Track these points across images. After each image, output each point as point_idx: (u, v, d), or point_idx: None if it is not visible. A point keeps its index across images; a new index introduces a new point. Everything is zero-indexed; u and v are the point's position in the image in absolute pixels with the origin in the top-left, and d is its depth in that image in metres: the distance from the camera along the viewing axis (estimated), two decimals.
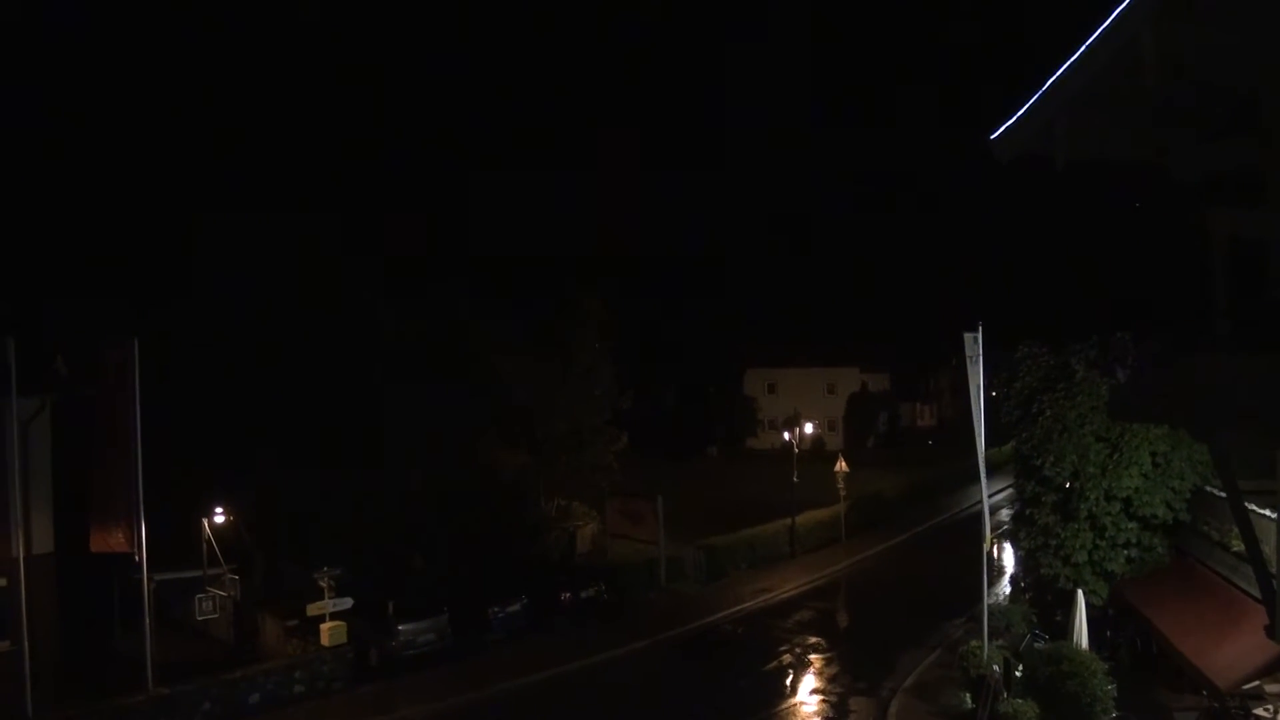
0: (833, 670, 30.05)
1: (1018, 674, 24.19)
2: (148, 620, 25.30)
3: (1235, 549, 20.38)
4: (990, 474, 27.01)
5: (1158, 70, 11.90)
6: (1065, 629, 24.57)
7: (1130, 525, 24.60)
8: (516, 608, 33.65)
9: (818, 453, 66.96)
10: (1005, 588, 34.98)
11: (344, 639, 28.84)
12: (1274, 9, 11.28)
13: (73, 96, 62.44)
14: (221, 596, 30.05)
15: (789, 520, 46.01)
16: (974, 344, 25.75)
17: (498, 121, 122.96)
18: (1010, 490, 34.74)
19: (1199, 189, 13.87)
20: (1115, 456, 24.56)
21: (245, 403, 35.50)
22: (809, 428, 66.34)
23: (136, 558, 24.81)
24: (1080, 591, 24.23)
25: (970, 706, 24.78)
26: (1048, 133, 13.71)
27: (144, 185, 49.16)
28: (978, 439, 25.94)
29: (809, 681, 29.25)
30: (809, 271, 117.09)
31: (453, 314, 41.43)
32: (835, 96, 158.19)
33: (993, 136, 14.23)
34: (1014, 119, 14.00)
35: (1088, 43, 12.58)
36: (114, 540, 25.51)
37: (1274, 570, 13.67)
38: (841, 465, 47.69)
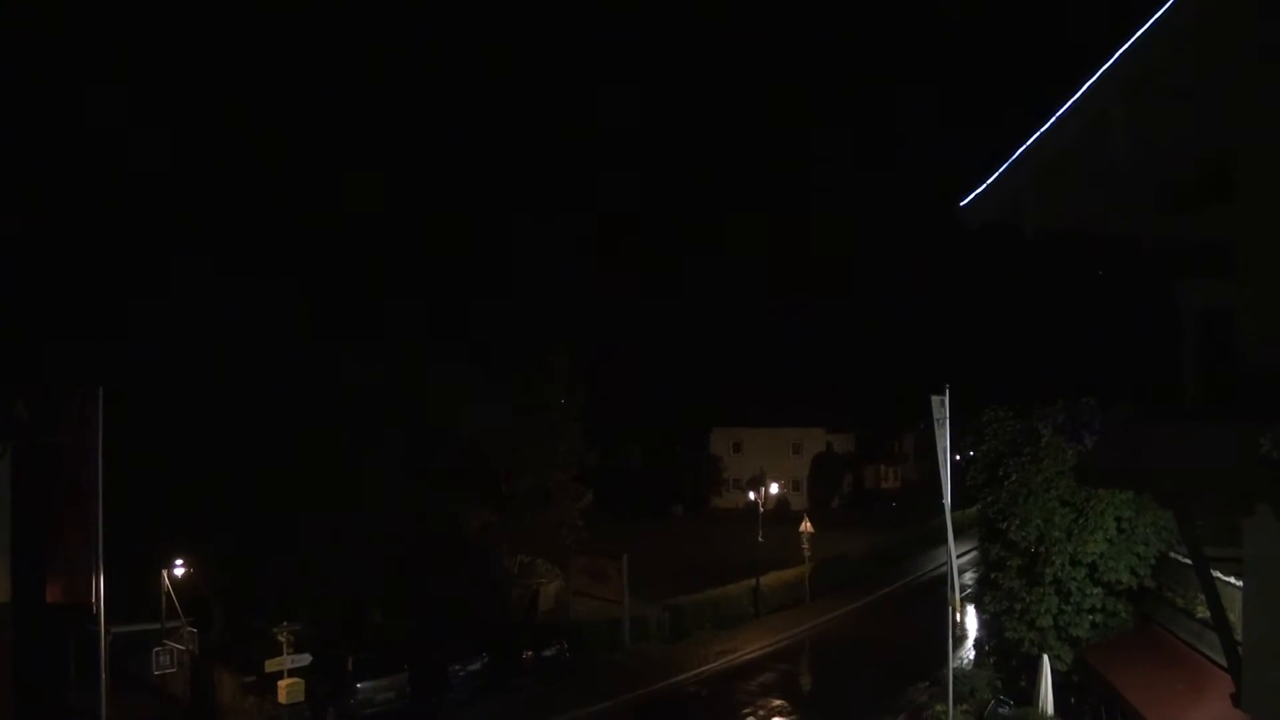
0: None
1: None
2: (103, 674, 24.76)
3: (1200, 615, 20.45)
4: (954, 537, 27.06)
5: (1128, 142, 12.08)
6: (1030, 694, 24.54)
7: (1095, 590, 24.66)
8: (477, 666, 33.29)
9: (782, 513, 66.98)
10: (969, 652, 34.96)
11: (301, 697, 28.34)
12: (1246, 84, 11.52)
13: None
14: (179, 650, 29.47)
15: (753, 581, 45.89)
16: (941, 407, 25.95)
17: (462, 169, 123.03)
18: (974, 554, 34.82)
19: (1169, 259, 14.07)
20: (1080, 521, 24.64)
21: (206, 455, 35.18)
22: (774, 488, 66.48)
23: (94, 609, 24.33)
24: (1046, 657, 24.22)
25: None
26: (1016, 201, 13.84)
27: (110, 232, 48.82)
28: (945, 502, 26.06)
29: None
30: (775, 332, 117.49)
31: (415, 367, 41.30)
32: (802, 158, 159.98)
33: (962, 204, 14.34)
34: (983, 187, 14.13)
35: (1058, 114, 12.76)
36: (71, 591, 25.02)
37: (1240, 638, 13.72)
38: (806, 526, 47.64)
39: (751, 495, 55.15)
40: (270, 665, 28.36)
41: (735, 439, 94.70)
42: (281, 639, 28.26)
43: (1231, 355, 12.88)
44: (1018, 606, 26.03)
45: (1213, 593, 14.52)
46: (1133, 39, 11.57)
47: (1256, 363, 12.37)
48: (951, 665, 26.55)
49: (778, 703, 32.91)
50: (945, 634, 26.89)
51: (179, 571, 31.17)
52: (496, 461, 41.77)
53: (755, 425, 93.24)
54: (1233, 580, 16.01)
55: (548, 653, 35.47)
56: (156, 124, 72.76)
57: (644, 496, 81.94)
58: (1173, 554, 23.60)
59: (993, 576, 27.45)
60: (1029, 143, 13.31)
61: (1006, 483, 26.58)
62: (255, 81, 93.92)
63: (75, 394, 24.71)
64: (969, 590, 28.91)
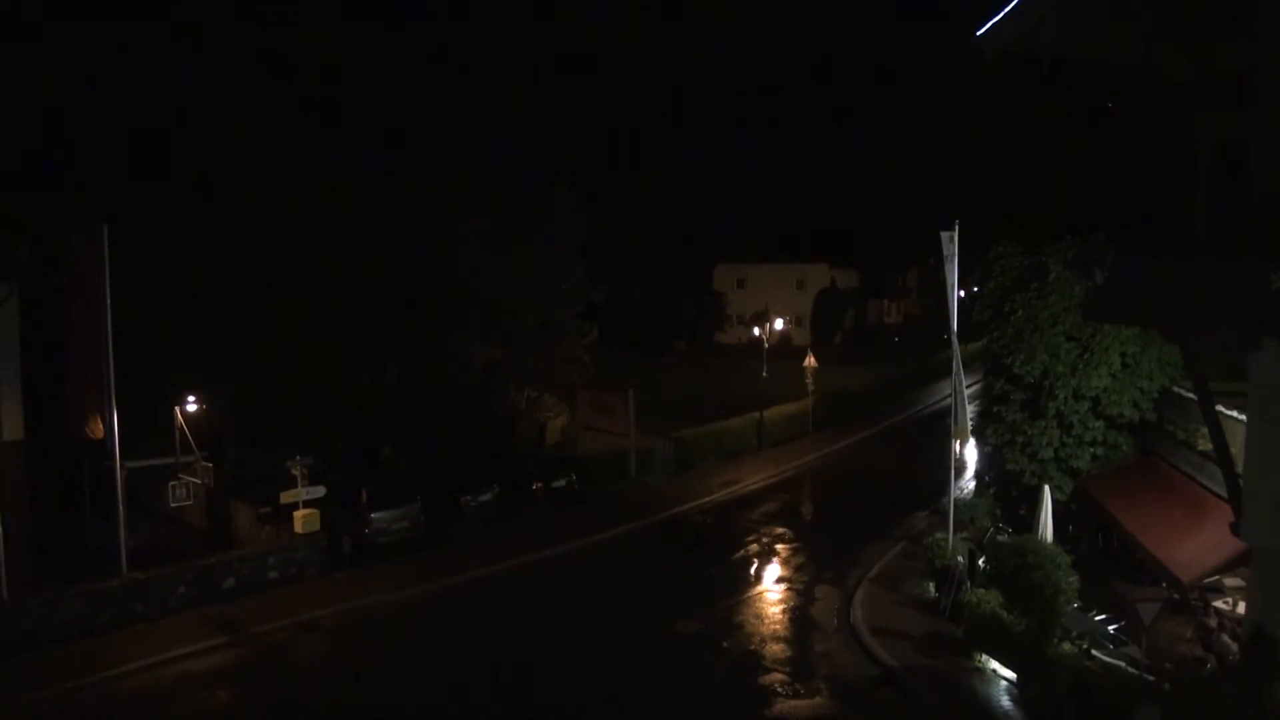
0: (799, 560, 30.57)
1: (981, 565, 24.70)
2: (121, 506, 25.30)
3: (1201, 448, 20.79)
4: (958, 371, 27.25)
5: None
6: (1029, 523, 25.06)
7: (1097, 424, 25.03)
8: (488, 497, 33.94)
9: (785, 348, 67.34)
10: (969, 483, 35.60)
11: (317, 526, 29.03)
12: None
13: None
14: (194, 484, 30.02)
15: (757, 414, 46.46)
16: (949, 243, 25.83)
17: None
18: (976, 388, 35.12)
19: (1187, 92, 13.83)
20: (1085, 356, 24.86)
21: (218, 292, 35.20)
22: (778, 324, 66.61)
23: (109, 445, 24.70)
24: (1046, 487, 24.66)
25: (934, 595, 25.39)
26: (1036, 29, 13.57)
27: (116, 68, 47.82)
28: (952, 336, 26.17)
29: (775, 570, 29.77)
30: (781, 166, 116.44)
31: (416, 206, 40.83)
32: None
33: (980, 32, 14.06)
34: (1002, 14, 13.83)
35: None
36: (87, 427, 25.41)
37: (1241, 470, 13.96)
38: (810, 361, 47.98)
39: (755, 331, 55.37)
40: (286, 497, 28.97)
41: (739, 275, 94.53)
42: (296, 472, 28.78)
43: (1244, 191, 12.81)
44: (1020, 439, 26.44)
45: (1216, 426, 14.71)
46: None
47: (1270, 194, 12.30)
48: (952, 494, 27.04)
49: (780, 530, 33.63)
50: (946, 465, 27.34)
51: (191, 407, 31.51)
52: (501, 297, 41.62)
53: (759, 261, 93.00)
54: (1235, 414, 16.24)
55: (557, 484, 36.16)
56: None
57: (648, 332, 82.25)
58: (1176, 389, 23.88)
59: (995, 410, 27.77)
60: None
61: (1013, 318, 26.71)
62: None
63: (81, 234, 24.62)
64: (971, 423, 29.19)
